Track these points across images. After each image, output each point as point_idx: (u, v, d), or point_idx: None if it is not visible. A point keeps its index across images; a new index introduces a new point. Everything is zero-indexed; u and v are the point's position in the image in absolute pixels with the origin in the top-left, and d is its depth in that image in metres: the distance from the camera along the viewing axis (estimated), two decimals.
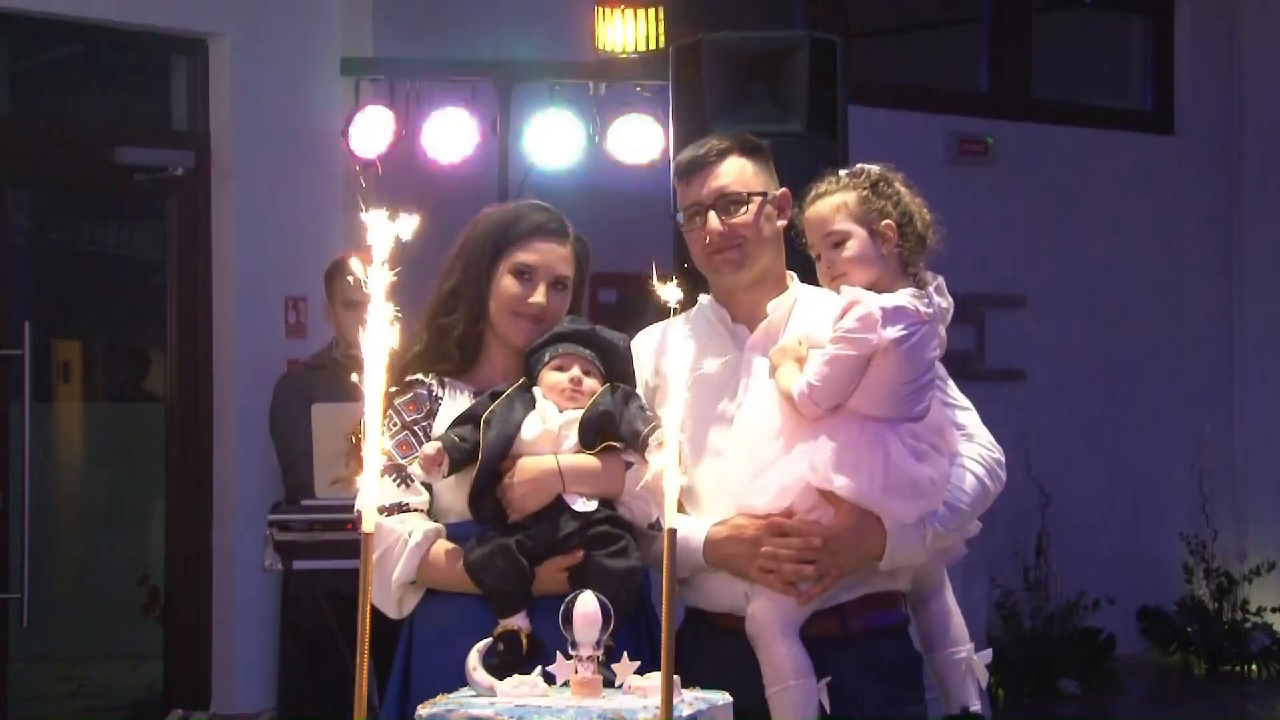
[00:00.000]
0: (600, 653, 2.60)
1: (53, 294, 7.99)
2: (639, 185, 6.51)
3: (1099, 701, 8.07)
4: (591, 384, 3.04)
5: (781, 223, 3.19)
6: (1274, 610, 8.74)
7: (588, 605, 2.61)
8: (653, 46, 6.78)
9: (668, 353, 3.20)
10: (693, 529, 3.05)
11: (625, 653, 2.64)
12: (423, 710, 2.51)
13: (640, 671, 2.61)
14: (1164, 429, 8.85)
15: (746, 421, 3.10)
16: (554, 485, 2.97)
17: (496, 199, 6.12)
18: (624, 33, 6.83)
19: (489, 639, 2.78)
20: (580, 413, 3.01)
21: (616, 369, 3.10)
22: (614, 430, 3.00)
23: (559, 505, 2.97)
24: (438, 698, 2.57)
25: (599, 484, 3.00)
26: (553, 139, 6.33)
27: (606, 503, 3.00)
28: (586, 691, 2.56)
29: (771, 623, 2.98)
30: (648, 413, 3.02)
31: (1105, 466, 8.64)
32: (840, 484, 2.94)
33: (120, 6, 6.50)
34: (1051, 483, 8.00)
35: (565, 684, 2.59)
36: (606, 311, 7.02)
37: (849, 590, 3.05)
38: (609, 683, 2.62)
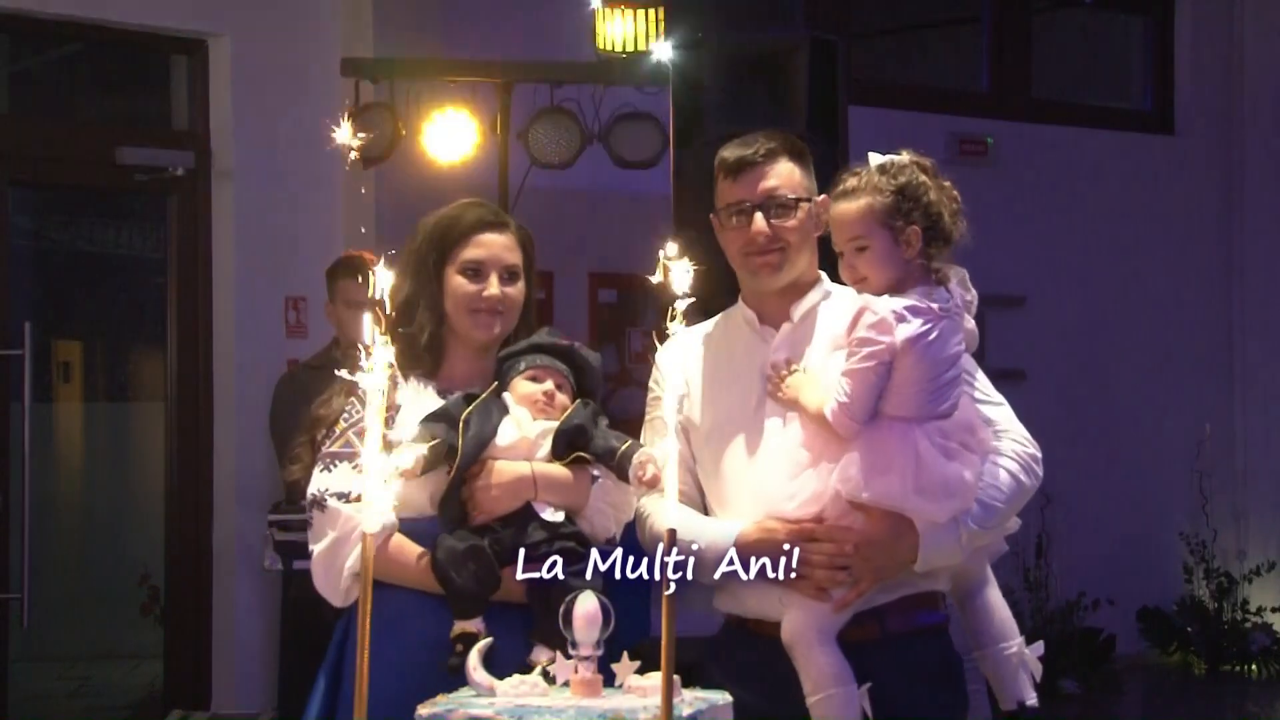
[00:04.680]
0: (600, 652, 2.60)
1: (53, 294, 8.00)
2: (639, 185, 6.51)
3: (1099, 701, 8.07)
4: (563, 399, 3.06)
5: (819, 232, 3.16)
6: (1274, 610, 8.74)
7: (588, 605, 2.61)
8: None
9: (697, 358, 3.20)
10: (722, 532, 3.03)
11: (625, 652, 2.64)
12: (423, 710, 2.51)
13: (641, 671, 2.61)
14: (1164, 429, 8.85)
15: (773, 425, 3.08)
16: (526, 491, 2.98)
17: (497, 199, 6.13)
18: (624, 33, 6.83)
19: (489, 639, 2.77)
20: (555, 424, 3.02)
21: (587, 387, 3.12)
22: (585, 444, 3.01)
23: (527, 513, 2.97)
24: (438, 697, 2.57)
25: (568, 495, 3.01)
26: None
27: (569, 517, 3.00)
28: (586, 691, 2.56)
29: (807, 631, 2.95)
30: (617, 431, 3.03)
31: (1105, 467, 8.64)
32: (867, 495, 2.92)
33: (120, 6, 6.50)
34: (1051, 483, 7.95)
35: (565, 684, 2.59)
36: (606, 312, 7.03)
37: (888, 592, 3.01)
38: (608, 683, 2.61)
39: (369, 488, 2.30)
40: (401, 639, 2.89)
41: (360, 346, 2.30)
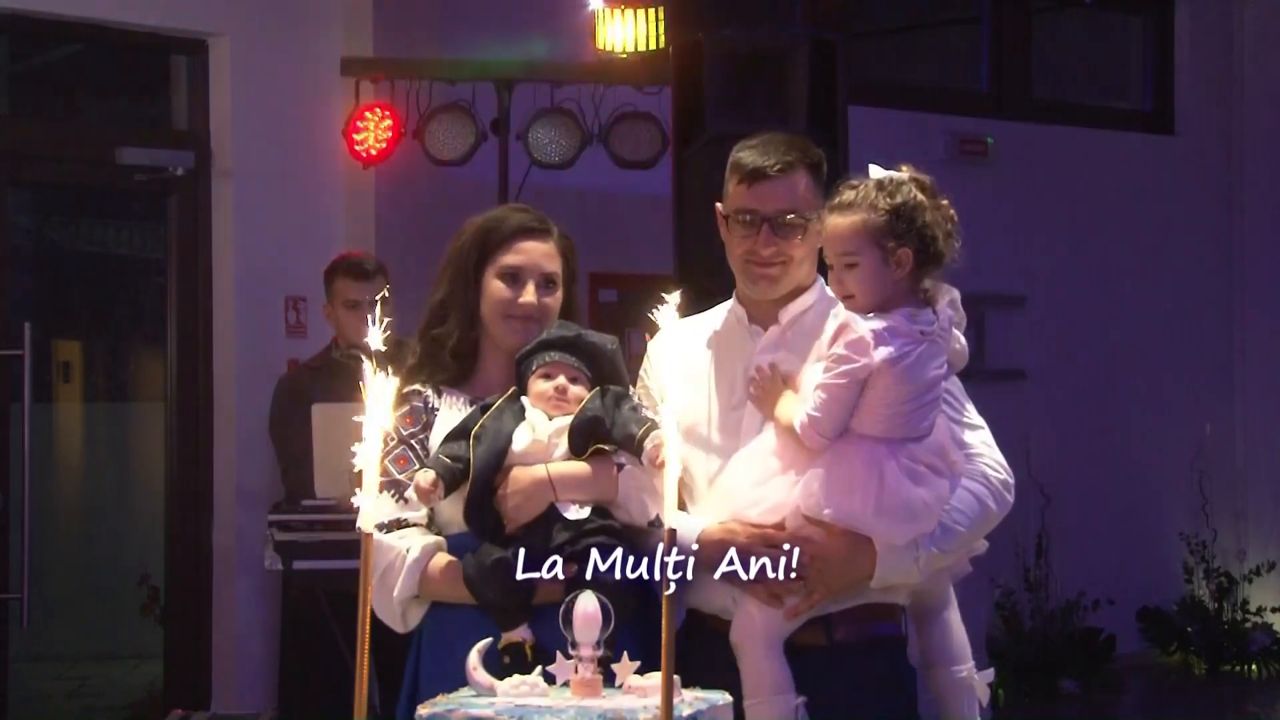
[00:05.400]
0: (600, 652, 2.60)
1: (53, 294, 8.00)
2: (639, 185, 6.51)
3: (1099, 701, 8.08)
4: (578, 391, 3.03)
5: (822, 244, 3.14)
6: (1274, 610, 8.74)
7: (587, 605, 2.61)
8: (653, 46, 6.78)
9: (685, 351, 3.19)
10: (687, 527, 3.03)
11: (626, 652, 2.64)
12: (423, 710, 2.51)
13: (641, 671, 2.61)
14: (1164, 429, 8.85)
15: (750, 426, 3.08)
16: (545, 495, 2.96)
17: (496, 199, 6.12)
18: (624, 33, 6.83)
19: (489, 639, 2.78)
20: (570, 420, 3.01)
21: (605, 372, 3.08)
22: (604, 434, 2.99)
23: (552, 514, 2.96)
24: (438, 697, 2.57)
25: (591, 490, 2.98)
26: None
27: (601, 510, 2.99)
28: (586, 691, 2.56)
29: (756, 634, 2.96)
30: (642, 413, 3.01)
31: (1105, 466, 8.64)
32: (828, 513, 2.92)
33: (120, 6, 6.50)
34: (1051, 483, 7.99)
35: (565, 684, 2.60)
36: (607, 312, 7.03)
37: (838, 602, 3.01)
38: (609, 683, 2.61)
39: (366, 488, 2.30)
40: (463, 655, 2.90)
41: (359, 348, 2.30)
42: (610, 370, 3.09)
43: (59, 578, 7.60)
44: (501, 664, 2.83)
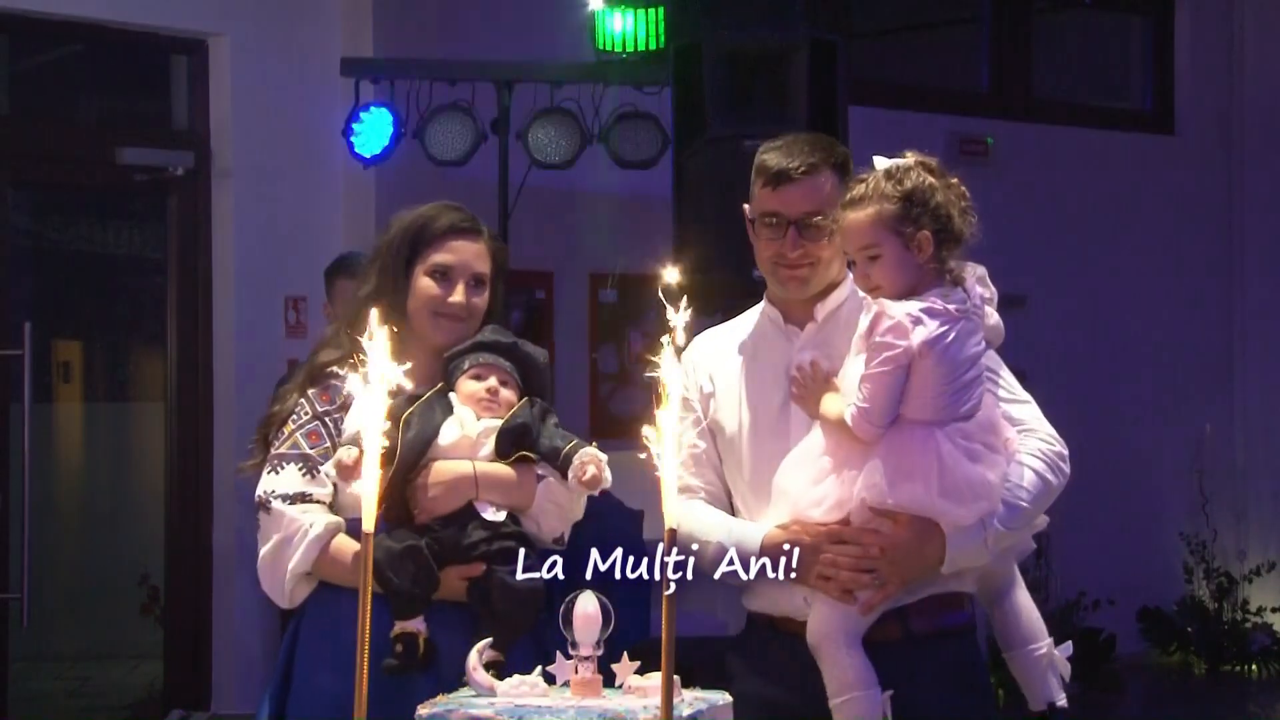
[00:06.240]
0: (600, 652, 2.59)
1: (53, 294, 8.00)
2: (639, 185, 6.51)
3: (1099, 701, 8.07)
4: (508, 395, 3.04)
5: None
6: (1274, 610, 8.74)
7: (588, 605, 2.61)
8: (653, 46, 6.78)
9: (722, 358, 3.19)
10: (749, 532, 3.02)
11: (625, 653, 2.63)
12: (423, 710, 2.51)
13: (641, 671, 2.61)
14: (1164, 429, 8.85)
15: (799, 426, 3.07)
16: (467, 491, 2.96)
17: (496, 199, 6.13)
18: (624, 33, 6.83)
19: (488, 640, 2.77)
20: (499, 422, 3.01)
21: (534, 383, 3.09)
22: (531, 443, 3.00)
23: (469, 512, 2.96)
24: (438, 698, 2.57)
25: (511, 495, 2.99)
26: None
27: (513, 517, 2.99)
28: (586, 691, 2.56)
29: (834, 632, 2.94)
30: (564, 431, 3.02)
31: (1105, 466, 8.62)
32: (894, 501, 2.90)
33: (120, 6, 6.50)
34: None
35: (565, 684, 2.59)
36: (606, 312, 7.03)
37: (911, 593, 3.00)
38: (609, 683, 2.61)
39: (366, 488, 2.30)
40: (348, 639, 2.90)
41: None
42: (538, 383, 3.10)
43: (59, 578, 7.61)
44: (393, 653, 2.86)
